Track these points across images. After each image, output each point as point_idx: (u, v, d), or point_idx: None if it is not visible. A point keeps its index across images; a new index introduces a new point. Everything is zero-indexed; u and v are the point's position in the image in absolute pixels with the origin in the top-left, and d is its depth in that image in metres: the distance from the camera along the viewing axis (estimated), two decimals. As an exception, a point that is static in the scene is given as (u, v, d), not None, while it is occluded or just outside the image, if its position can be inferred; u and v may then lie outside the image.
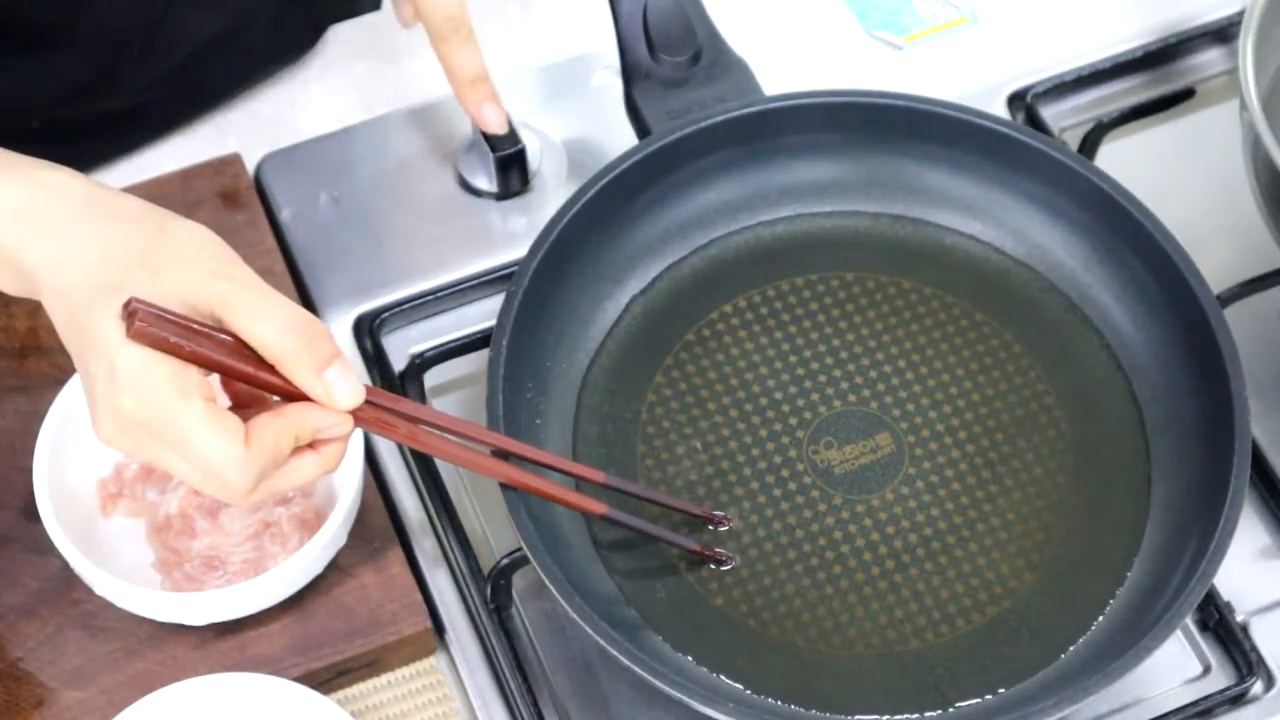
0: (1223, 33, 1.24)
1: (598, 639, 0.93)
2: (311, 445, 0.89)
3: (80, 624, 1.02)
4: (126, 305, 0.84)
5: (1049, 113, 1.21)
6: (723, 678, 0.98)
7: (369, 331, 1.11)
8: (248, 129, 1.22)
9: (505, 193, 1.17)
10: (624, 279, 1.10)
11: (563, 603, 0.94)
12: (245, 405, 0.90)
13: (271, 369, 0.87)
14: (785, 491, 1.03)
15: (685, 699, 0.92)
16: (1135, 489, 1.03)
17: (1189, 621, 1.04)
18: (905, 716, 0.97)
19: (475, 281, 1.14)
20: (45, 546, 1.01)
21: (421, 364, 1.10)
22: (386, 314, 1.12)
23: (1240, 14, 1.15)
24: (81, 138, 1.18)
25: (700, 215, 1.11)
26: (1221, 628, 1.03)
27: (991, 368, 1.08)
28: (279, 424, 0.87)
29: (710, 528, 1.02)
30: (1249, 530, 1.06)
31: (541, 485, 0.96)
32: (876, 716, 0.97)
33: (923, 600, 1.00)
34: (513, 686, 1.00)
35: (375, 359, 1.11)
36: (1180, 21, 1.24)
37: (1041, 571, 1.01)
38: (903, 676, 0.98)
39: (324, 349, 0.87)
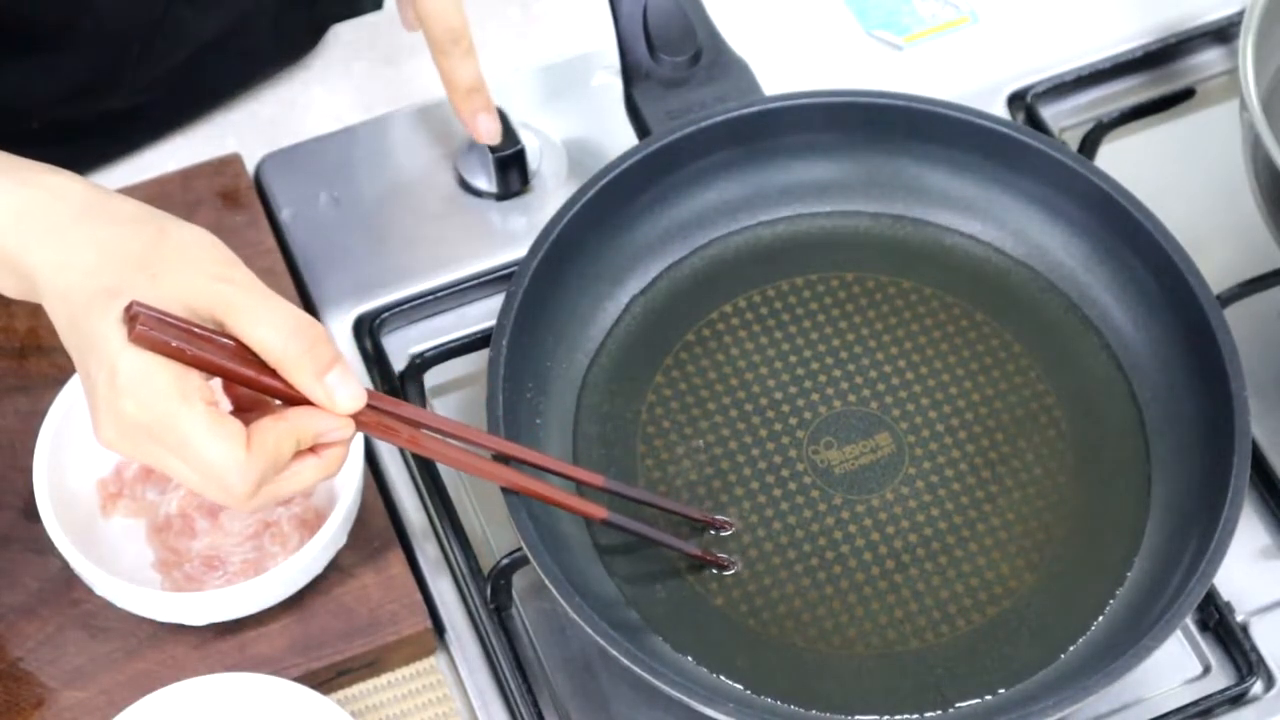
0: (1223, 33, 1.24)
1: (598, 639, 0.93)
2: (312, 449, 0.89)
3: (80, 624, 1.02)
4: (128, 309, 0.84)
5: (1049, 113, 1.21)
6: (723, 678, 0.98)
7: (369, 332, 1.11)
8: (248, 129, 1.22)
9: (505, 193, 1.17)
10: (624, 279, 1.10)
11: (563, 603, 0.94)
12: (246, 409, 0.90)
13: (273, 373, 0.87)
14: (785, 492, 1.03)
15: (685, 699, 0.92)
16: (1135, 489, 1.03)
17: (1189, 621, 1.04)
18: (905, 716, 0.97)
19: (475, 281, 1.14)
20: (45, 546, 1.01)
21: (421, 364, 1.10)
22: (386, 314, 1.12)
23: (1240, 14, 1.15)
24: (81, 138, 1.18)
25: (700, 215, 1.11)
26: (1221, 628, 1.03)
27: (991, 368, 1.08)
28: (280, 428, 0.87)
29: (712, 532, 1.02)
30: (1249, 530, 1.06)
31: (542, 489, 0.96)
32: (876, 716, 0.97)
33: (923, 600, 1.00)
34: (513, 686, 1.00)
35: (375, 359, 1.11)
36: (1180, 21, 1.24)
37: (1041, 571, 1.01)
38: (903, 676, 0.98)
39: (325, 353, 0.87)
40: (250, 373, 0.86)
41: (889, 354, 1.08)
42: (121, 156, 1.20)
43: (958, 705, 0.97)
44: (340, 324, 1.12)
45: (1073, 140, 1.19)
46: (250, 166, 1.19)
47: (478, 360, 1.09)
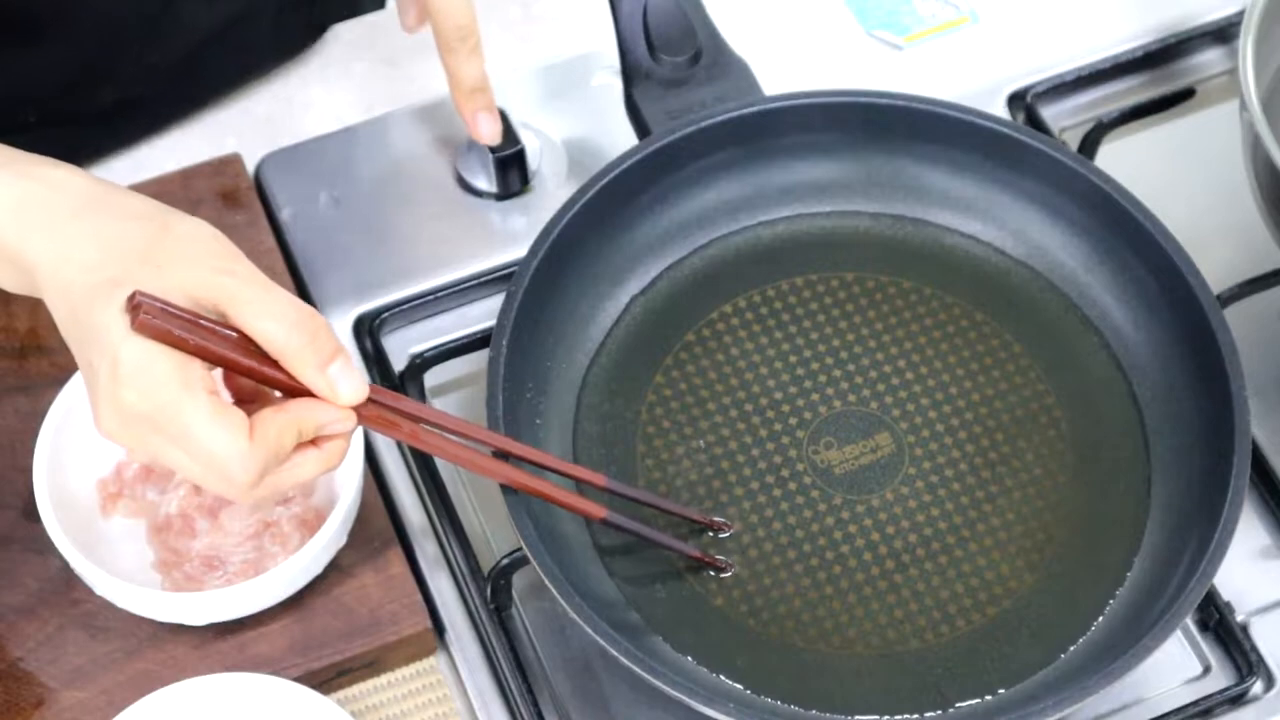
0: (1223, 33, 1.24)
1: (598, 639, 0.93)
2: (314, 442, 0.89)
3: (80, 624, 1.02)
4: (131, 299, 0.84)
5: (1049, 113, 1.21)
6: (723, 678, 0.98)
7: (369, 331, 1.11)
8: (248, 129, 1.22)
9: (505, 193, 1.17)
10: (624, 279, 1.10)
11: (563, 603, 0.94)
12: (248, 401, 0.90)
13: (275, 364, 0.87)
14: (785, 492, 1.03)
15: (686, 699, 0.92)
16: (1135, 489, 1.03)
17: (1189, 621, 1.04)
18: (905, 716, 0.97)
19: (475, 281, 1.14)
20: (45, 546, 1.01)
21: (421, 364, 1.10)
22: (386, 314, 1.12)
23: (1240, 14, 1.15)
24: (79, 131, 1.17)
25: (700, 215, 1.11)
26: (1221, 628, 1.03)
27: (991, 368, 1.08)
28: (282, 419, 0.87)
29: (710, 534, 1.02)
30: (1249, 530, 1.06)
31: (542, 487, 0.96)
32: (876, 716, 0.97)
33: (923, 600, 1.00)
34: (513, 686, 1.00)
35: (375, 359, 1.11)
36: (1180, 21, 1.24)
37: (1041, 571, 1.01)
38: (903, 676, 0.98)
39: (327, 345, 0.87)
40: (253, 364, 0.86)
41: (889, 354, 1.08)
42: (119, 150, 1.20)
43: (958, 705, 0.97)
44: (340, 324, 1.12)
45: (1073, 140, 1.19)
46: (250, 166, 1.19)
47: (478, 360, 1.09)
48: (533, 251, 1.04)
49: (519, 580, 1.03)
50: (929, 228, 1.12)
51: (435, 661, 1.04)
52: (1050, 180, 1.09)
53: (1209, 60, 1.24)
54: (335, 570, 1.03)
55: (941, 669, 0.98)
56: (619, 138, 1.13)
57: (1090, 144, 1.17)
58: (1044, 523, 1.03)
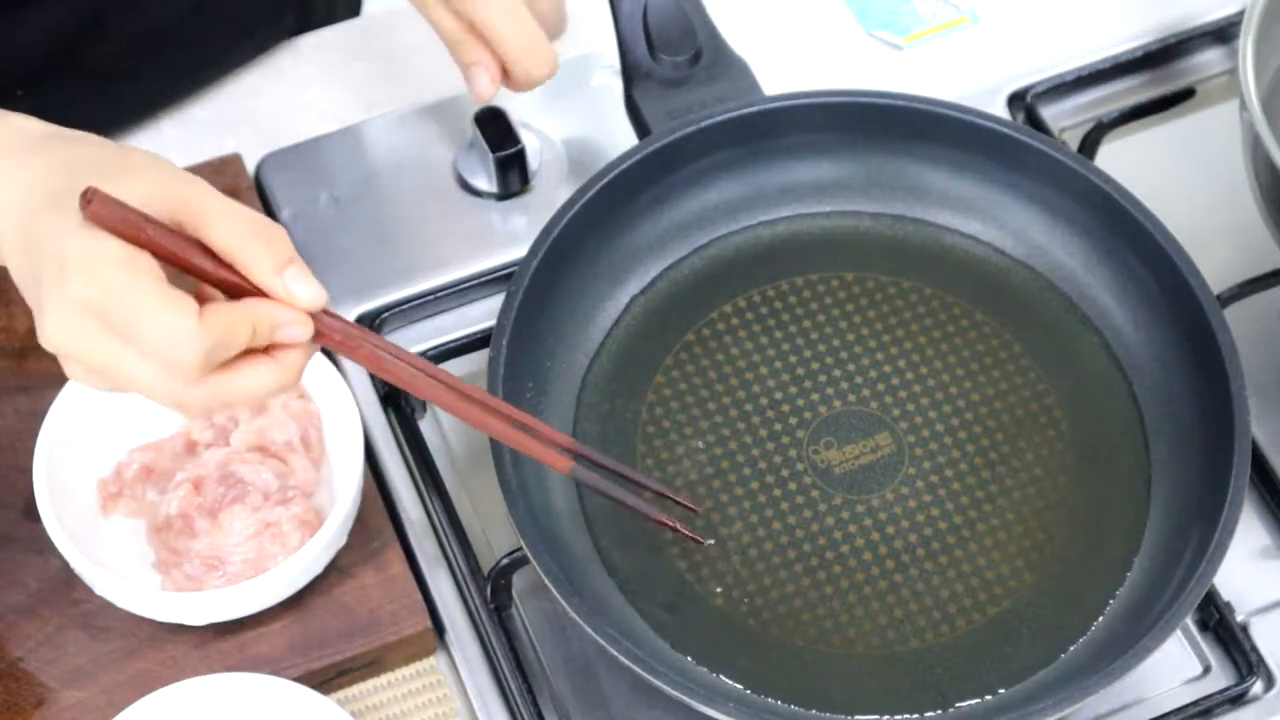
0: (1223, 33, 1.24)
1: (598, 639, 0.93)
2: (268, 351, 0.85)
3: (80, 624, 1.02)
4: (84, 194, 0.81)
5: (1049, 113, 1.21)
6: (723, 678, 0.98)
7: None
8: (248, 129, 1.22)
9: (505, 193, 1.17)
10: (624, 279, 1.10)
11: (563, 603, 0.94)
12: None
13: (230, 269, 0.84)
14: (785, 491, 1.03)
15: (685, 699, 0.92)
16: (1135, 489, 1.03)
17: (1189, 621, 1.04)
18: (905, 716, 0.97)
19: (475, 281, 1.14)
20: (45, 546, 1.01)
21: (421, 364, 1.10)
22: (386, 314, 1.12)
23: (1240, 14, 1.15)
24: (72, 100, 1.16)
25: (700, 215, 1.11)
26: (1221, 628, 1.03)
27: (991, 368, 1.08)
28: (236, 310, 0.83)
29: (693, 513, 1.01)
30: (1249, 530, 1.06)
31: (504, 430, 0.94)
32: (876, 716, 0.97)
33: (923, 600, 1.00)
34: (513, 686, 1.00)
35: (375, 359, 1.11)
36: (1180, 21, 1.24)
37: (1041, 571, 1.01)
38: (903, 676, 0.98)
39: (284, 250, 0.84)
40: (206, 265, 0.83)
41: (889, 354, 1.08)
42: (110, 125, 1.19)
43: (958, 705, 0.97)
44: (340, 324, 1.12)
45: (1073, 140, 1.19)
46: (250, 166, 1.19)
47: (478, 360, 1.09)
48: (533, 251, 1.04)
49: (519, 580, 1.03)
50: (929, 228, 1.12)
51: (435, 661, 1.04)
52: (1050, 180, 1.09)
53: (1209, 60, 1.24)
54: (335, 570, 1.03)
55: (941, 669, 0.98)
56: (619, 138, 1.13)
57: (1090, 144, 1.17)
58: (1044, 523, 1.03)
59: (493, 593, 1.02)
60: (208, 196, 0.84)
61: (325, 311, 0.86)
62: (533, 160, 1.18)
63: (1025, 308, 1.10)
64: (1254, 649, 1.02)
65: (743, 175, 1.11)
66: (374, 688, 1.04)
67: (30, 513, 1.02)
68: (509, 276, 1.05)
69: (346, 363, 1.10)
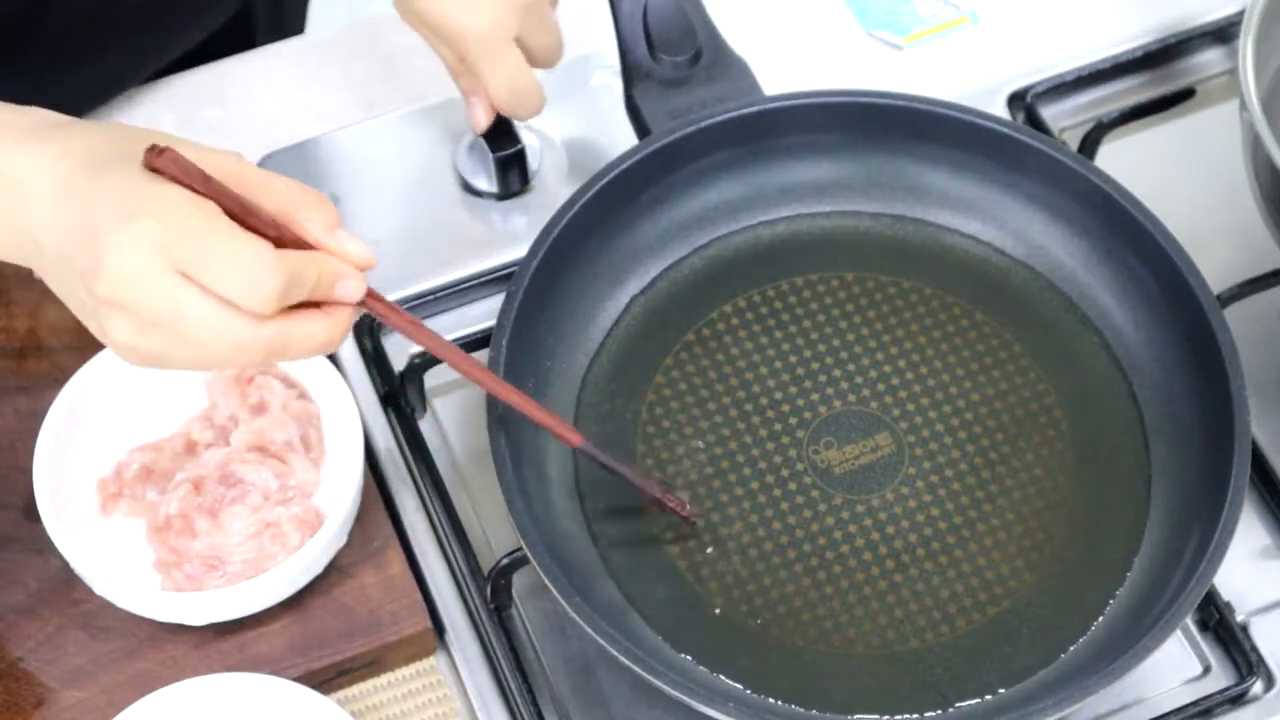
0: (1223, 33, 1.24)
1: (598, 639, 0.93)
2: (320, 307, 0.87)
3: (80, 624, 1.02)
4: (151, 148, 0.83)
5: (1049, 113, 1.21)
6: (723, 678, 0.98)
7: (369, 331, 1.11)
8: (248, 129, 1.22)
9: (505, 193, 1.17)
10: (624, 279, 1.10)
11: (563, 603, 0.94)
12: None
13: (285, 230, 0.86)
14: (785, 491, 1.03)
15: (685, 699, 0.92)
16: (1135, 489, 1.03)
17: (1189, 621, 1.04)
18: (905, 716, 0.97)
19: (475, 281, 1.14)
20: (45, 546, 1.01)
21: (421, 364, 1.09)
22: (386, 314, 1.12)
23: (1240, 14, 1.15)
24: (49, 59, 1.16)
25: (700, 215, 1.11)
26: (1221, 628, 1.03)
27: (991, 368, 1.08)
28: (305, 254, 0.86)
29: (700, 522, 1.02)
30: (1249, 530, 1.06)
31: (521, 401, 0.96)
32: (876, 716, 0.97)
33: (923, 600, 1.00)
34: (513, 686, 1.00)
35: (375, 359, 1.11)
36: (1180, 21, 1.24)
37: (1041, 571, 1.01)
38: (903, 676, 0.98)
39: (332, 212, 0.88)
40: (268, 220, 0.85)
41: (889, 354, 1.08)
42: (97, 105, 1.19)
43: (958, 705, 0.97)
44: (340, 324, 1.12)
45: (1073, 140, 1.19)
46: (250, 167, 1.19)
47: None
48: (533, 251, 1.04)
49: (519, 580, 1.03)
50: (929, 228, 1.12)
51: (435, 661, 1.04)
52: (1050, 180, 1.09)
53: (1209, 60, 1.24)
54: (335, 570, 1.03)
55: (941, 669, 0.98)
56: (619, 138, 1.13)
57: (1090, 144, 1.17)
58: (1044, 523, 1.03)
59: (493, 593, 1.02)
60: (249, 165, 0.87)
61: None
62: (533, 160, 1.18)
63: (1025, 308, 1.10)
64: (1254, 649, 1.02)
65: (743, 175, 1.11)
66: (374, 688, 1.04)
67: (30, 513, 1.02)
68: (509, 276, 1.05)
69: (346, 363, 1.10)
